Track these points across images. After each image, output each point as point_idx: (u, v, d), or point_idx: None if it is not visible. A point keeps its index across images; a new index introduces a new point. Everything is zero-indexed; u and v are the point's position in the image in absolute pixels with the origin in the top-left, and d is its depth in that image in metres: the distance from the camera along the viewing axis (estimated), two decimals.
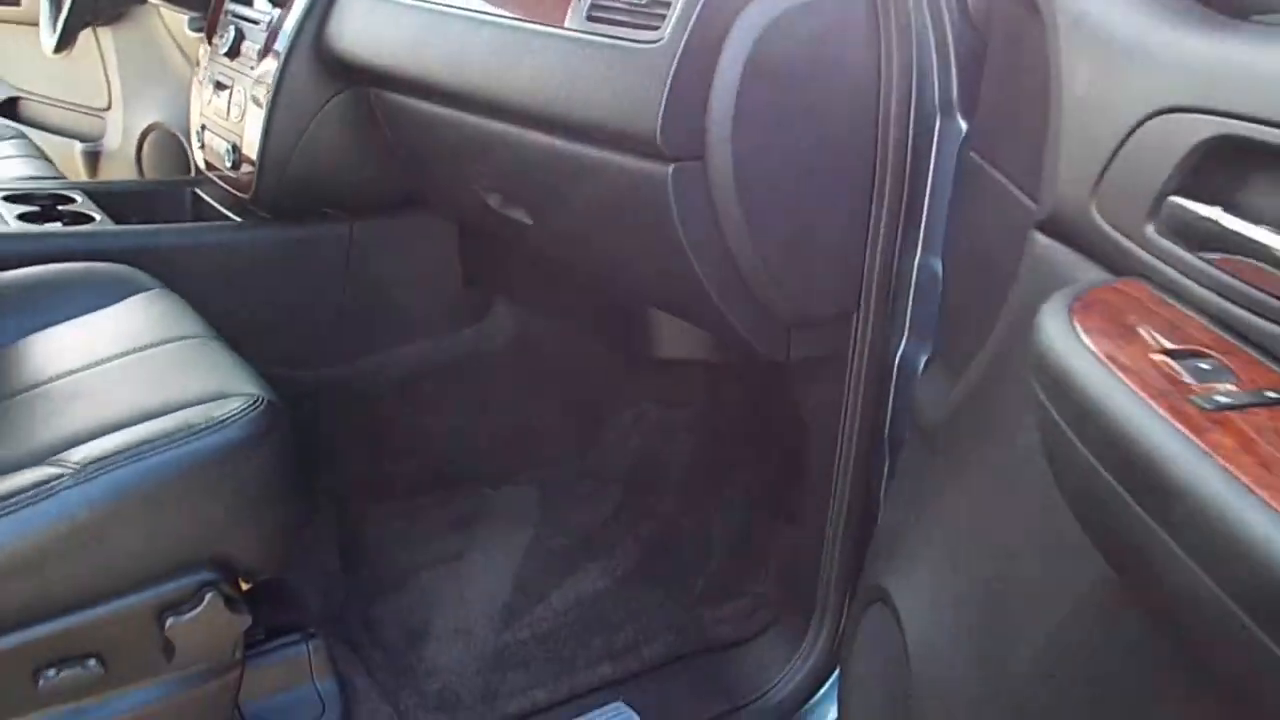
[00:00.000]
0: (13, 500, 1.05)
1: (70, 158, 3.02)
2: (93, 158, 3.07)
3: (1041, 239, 0.94)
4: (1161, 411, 0.63)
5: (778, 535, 1.77)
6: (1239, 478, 0.57)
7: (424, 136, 1.72)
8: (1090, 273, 0.87)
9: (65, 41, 2.10)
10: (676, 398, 2.09)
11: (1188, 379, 0.66)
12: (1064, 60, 0.91)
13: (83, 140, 3.07)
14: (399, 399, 2.02)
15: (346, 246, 1.94)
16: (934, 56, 1.27)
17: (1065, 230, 0.90)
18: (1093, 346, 0.71)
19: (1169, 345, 0.70)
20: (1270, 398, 0.63)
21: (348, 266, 1.95)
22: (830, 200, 1.31)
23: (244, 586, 1.24)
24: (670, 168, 1.25)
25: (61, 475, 1.08)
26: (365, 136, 1.84)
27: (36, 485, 1.07)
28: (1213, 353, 0.68)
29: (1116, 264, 0.84)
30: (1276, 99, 0.70)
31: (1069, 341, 0.72)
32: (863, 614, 1.23)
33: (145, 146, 2.94)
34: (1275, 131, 0.69)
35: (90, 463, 1.09)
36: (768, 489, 1.88)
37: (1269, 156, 0.70)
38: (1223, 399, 0.63)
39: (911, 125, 1.29)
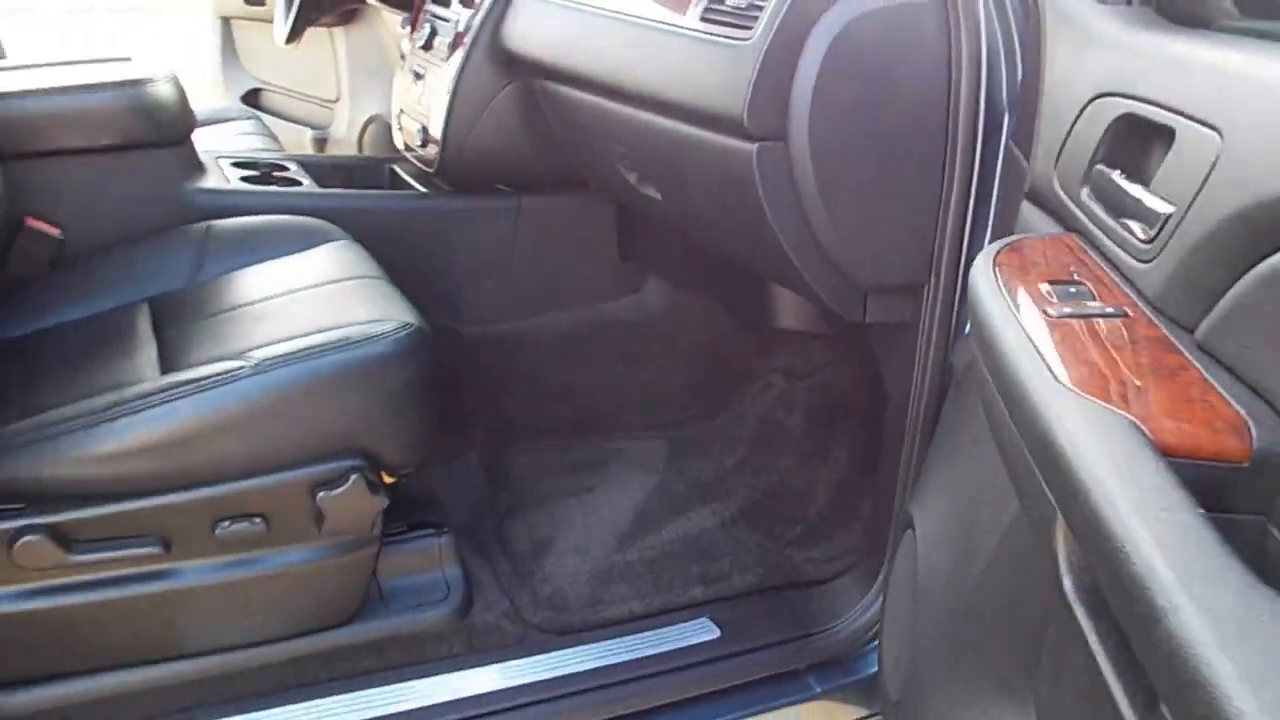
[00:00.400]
0: (203, 381, 1.36)
1: (302, 143, 3.44)
2: (321, 144, 3.48)
3: (1027, 206, 1.11)
4: (1018, 315, 0.80)
5: (868, 491, 1.94)
6: (1045, 357, 0.74)
7: (577, 121, 1.98)
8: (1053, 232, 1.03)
9: (294, 35, 2.46)
10: (800, 370, 2.27)
11: (1055, 299, 0.83)
12: (1048, 50, 1.08)
13: (313, 128, 3.48)
14: (554, 353, 2.29)
15: (515, 219, 2.22)
16: (1002, 53, 1.43)
17: (1040, 197, 1.07)
18: (999, 278, 0.88)
19: (1054, 277, 0.86)
20: (1109, 311, 0.80)
21: (515, 237, 2.23)
22: (902, 180, 1.48)
23: (388, 480, 1.52)
24: (755, 146, 1.45)
25: (243, 366, 1.38)
26: (532, 122, 2.11)
27: (223, 372, 1.38)
28: (1086, 282, 0.85)
29: (1068, 223, 1.00)
30: (1161, 85, 0.86)
31: (985, 275, 0.90)
32: (899, 540, 1.40)
33: (366, 135, 3.32)
34: (1156, 110, 0.85)
35: (266, 359, 1.39)
36: (866, 450, 2.05)
37: (1153, 130, 0.86)
38: (1068, 309, 0.80)
39: (981, 115, 1.44)
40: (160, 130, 1.91)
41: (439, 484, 1.89)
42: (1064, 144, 1.00)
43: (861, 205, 1.49)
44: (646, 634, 1.69)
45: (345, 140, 3.38)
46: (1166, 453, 0.64)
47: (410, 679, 1.53)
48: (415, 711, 1.49)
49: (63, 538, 1.34)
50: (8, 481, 1.33)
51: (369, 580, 1.56)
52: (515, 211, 2.22)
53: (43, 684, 1.41)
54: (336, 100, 3.44)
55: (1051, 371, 0.72)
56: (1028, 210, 1.09)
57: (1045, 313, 0.80)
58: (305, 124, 3.51)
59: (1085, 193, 0.95)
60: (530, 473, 2.06)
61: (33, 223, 1.80)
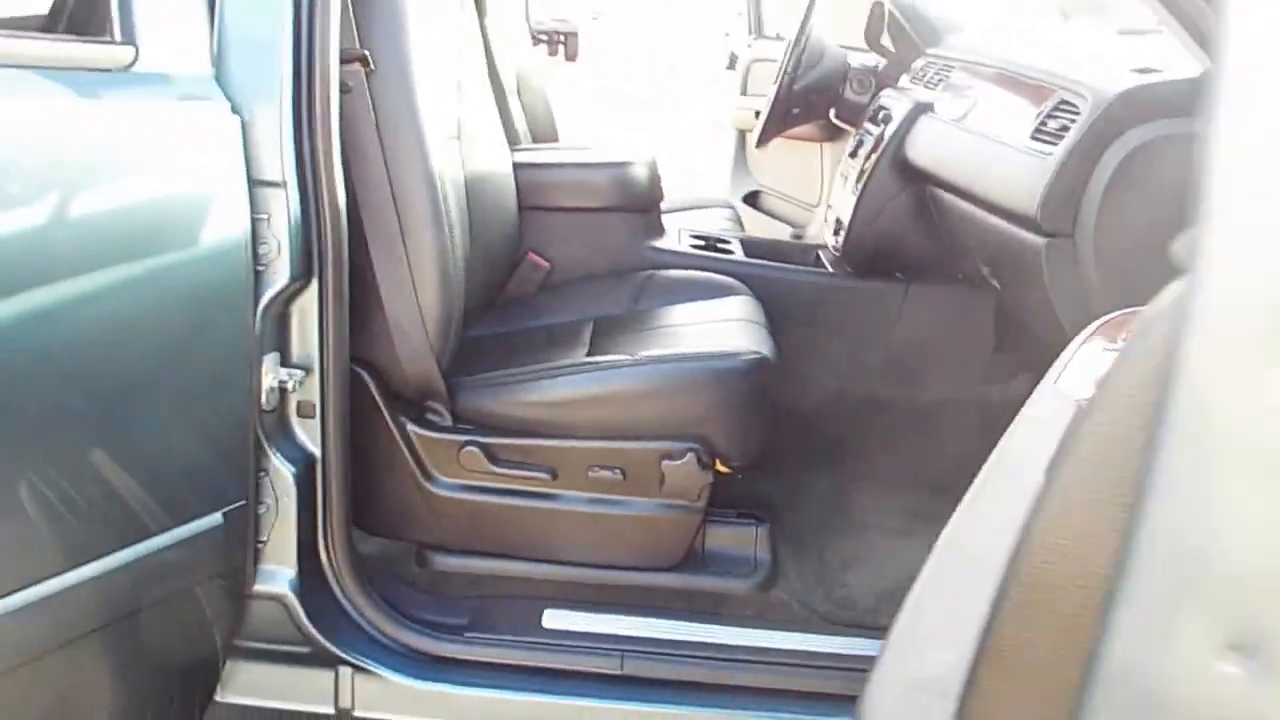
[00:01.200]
0: (599, 364, 1.82)
1: (781, 239, 3.86)
2: (796, 239, 3.89)
3: None
4: (1089, 343, 0.97)
5: None
6: (1066, 369, 0.92)
7: (952, 221, 2.21)
8: None
9: (762, 140, 2.90)
10: None
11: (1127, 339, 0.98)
12: None
13: (793, 227, 3.90)
14: (917, 420, 2.48)
15: (901, 303, 2.47)
16: None
17: None
18: (1102, 327, 1.04)
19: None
20: None
21: (900, 318, 2.47)
22: None
23: (721, 469, 1.84)
24: (1045, 241, 1.63)
25: (628, 358, 1.81)
26: (924, 222, 2.37)
27: (614, 361, 1.81)
28: None
29: None
30: None
31: (1092, 326, 1.06)
32: None
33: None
34: None
35: (646, 356, 1.82)
36: None
37: None
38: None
39: None
40: (633, 200, 2.41)
41: (783, 495, 2.19)
42: None
43: (1144, 302, 1.59)
44: None
45: (817, 239, 3.76)
46: None
47: (711, 624, 1.83)
48: (714, 645, 1.79)
49: (491, 454, 1.82)
50: (469, 409, 1.84)
51: (692, 541, 1.88)
52: (902, 296, 2.46)
53: (464, 555, 1.90)
54: (816, 204, 3.84)
55: (1061, 378, 0.90)
56: None
57: (1105, 347, 0.96)
58: (787, 223, 3.94)
59: None
60: (866, 509, 2.28)
61: (532, 256, 2.36)
